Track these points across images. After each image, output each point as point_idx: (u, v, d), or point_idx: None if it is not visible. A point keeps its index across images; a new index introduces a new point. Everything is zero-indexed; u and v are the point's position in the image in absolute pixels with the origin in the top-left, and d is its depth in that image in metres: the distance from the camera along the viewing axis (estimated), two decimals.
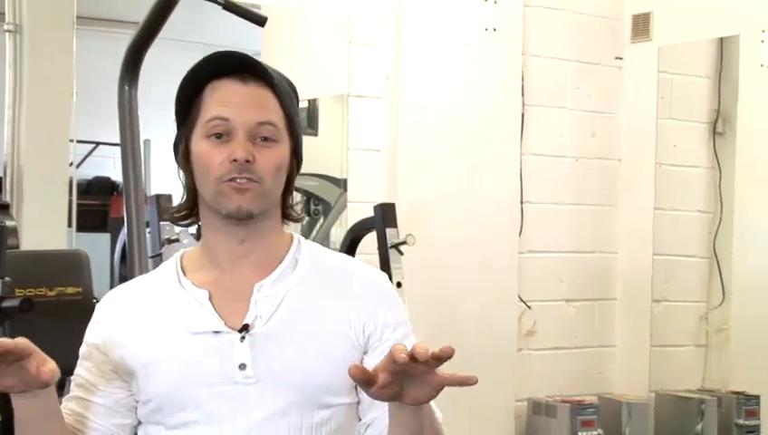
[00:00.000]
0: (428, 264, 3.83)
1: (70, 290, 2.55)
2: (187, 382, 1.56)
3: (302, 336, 1.59)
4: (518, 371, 4.22)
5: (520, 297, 4.23)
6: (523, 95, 4.24)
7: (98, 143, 7.64)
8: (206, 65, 1.59)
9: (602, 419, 4.01)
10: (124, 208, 2.84)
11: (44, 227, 3.91)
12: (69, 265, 2.61)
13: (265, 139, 1.56)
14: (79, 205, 4.66)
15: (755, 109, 4.59)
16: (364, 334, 1.62)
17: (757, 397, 4.24)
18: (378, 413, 1.63)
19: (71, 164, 4.28)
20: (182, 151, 1.62)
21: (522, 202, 4.24)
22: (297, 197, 1.71)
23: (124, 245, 3.19)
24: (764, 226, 4.48)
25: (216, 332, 1.57)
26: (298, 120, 1.64)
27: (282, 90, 1.60)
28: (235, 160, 1.53)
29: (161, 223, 3.03)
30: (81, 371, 1.65)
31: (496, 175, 4.15)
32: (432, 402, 1.59)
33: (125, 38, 2.98)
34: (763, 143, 4.54)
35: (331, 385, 1.59)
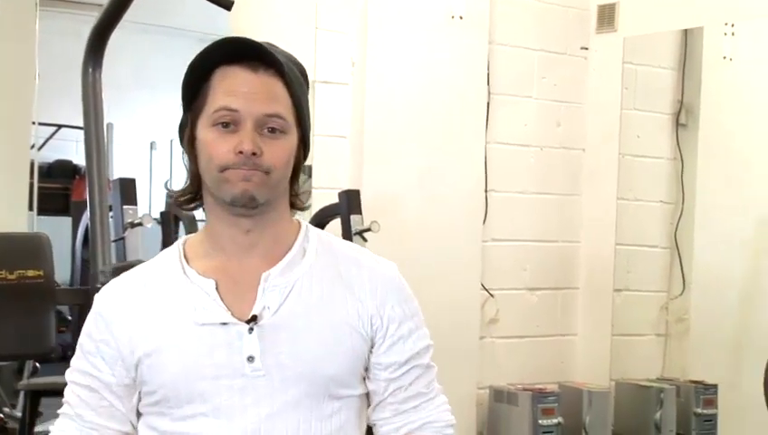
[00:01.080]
0: (392, 251, 3.79)
1: (31, 273, 2.53)
2: (194, 375, 1.53)
3: (310, 327, 1.55)
4: (480, 359, 4.24)
5: (483, 285, 4.25)
6: (488, 84, 4.24)
7: (60, 126, 7.59)
8: (216, 50, 1.54)
9: (563, 407, 4.04)
10: (87, 192, 2.81)
11: (5, 210, 3.88)
12: (30, 249, 2.59)
13: (273, 130, 1.52)
14: (40, 188, 4.63)
15: (718, 101, 4.63)
16: (372, 327, 1.60)
17: (715, 386, 4.29)
18: (383, 415, 1.64)
19: (32, 147, 4.24)
20: (187, 136, 1.57)
21: (486, 190, 4.25)
22: (304, 185, 1.67)
23: (87, 228, 3.17)
24: (725, 217, 4.53)
25: (224, 323, 1.54)
26: (307, 109, 1.60)
27: (292, 78, 1.55)
28: (241, 152, 1.50)
29: (124, 207, 3.01)
30: (89, 368, 1.60)
31: (461, 163, 4.15)
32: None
33: (89, 20, 2.96)
34: (724, 135, 4.59)
35: (340, 377, 1.57)
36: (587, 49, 4.52)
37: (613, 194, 4.45)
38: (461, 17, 4.10)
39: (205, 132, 1.54)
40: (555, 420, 4.01)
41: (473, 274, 4.20)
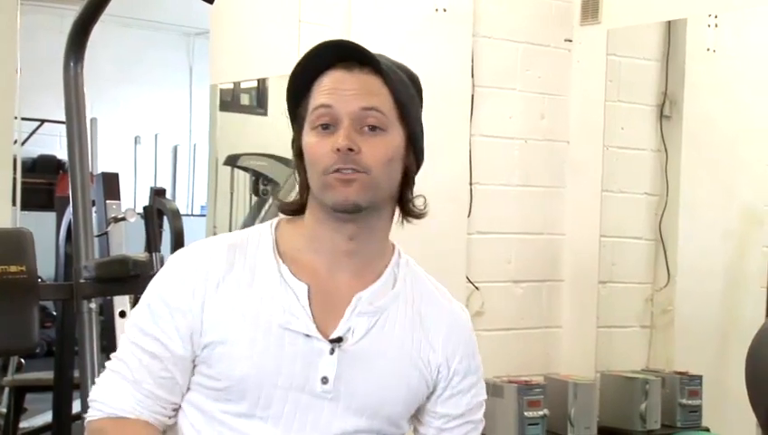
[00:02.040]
0: None
1: (13, 269, 2.52)
2: (268, 379, 1.50)
3: (386, 364, 1.54)
4: None
5: (468, 278, 4.25)
6: (472, 76, 4.24)
7: (43, 121, 7.57)
8: (313, 58, 1.53)
9: (548, 399, 4.04)
10: (70, 187, 2.80)
11: None
12: (12, 244, 2.58)
13: (373, 128, 1.51)
14: (24, 183, 4.62)
15: (702, 92, 4.64)
16: (438, 376, 1.60)
17: (699, 377, 4.30)
18: None
19: (14, 142, 4.22)
20: (296, 148, 1.56)
21: (471, 183, 4.25)
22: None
23: (70, 223, 3.16)
24: (709, 208, 4.54)
25: (308, 335, 1.51)
26: (415, 111, 1.59)
27: (393, 77, 1.54)
28: (338, 150, 1.48)
29: (107, 202, 3.00)
30: (158, 333, 1.53)
31: (446, 156, 4.15)
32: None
33: (71, 14, 2.94)
34: (709, 127, 4.59)
35: (397, 417, 1.58)
36: (571, 41, 4.52)
37: (598, 186, 4.45)
38: (445, 10, 4.09)
39: (307, 137, 1.53)
40: (541, 413, 4.01)
41: (458, 267, 4.20)
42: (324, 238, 1.55)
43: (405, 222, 1.65)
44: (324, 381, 1.50)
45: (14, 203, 4.12)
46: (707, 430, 4.26)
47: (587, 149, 4.49)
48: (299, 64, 1.54)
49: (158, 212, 4.05)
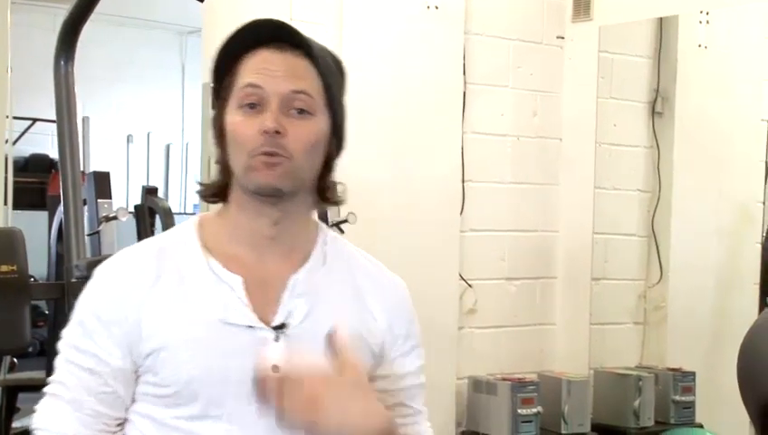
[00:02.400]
0: (369, 242, 3.79)
1: (4, 268, 2.52)
2: (215, 376, 1.46)
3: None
4: (459, 349, 4.24)
5: (461, 276, 4.25)
6: (464, 74, 4.24)
7: (35, 120, 7.55)
8: (241, 34, 1.50)
9: (542, 396, 4.05)
10: (61, 186, 2.80)
11: None
12: (3, 244, 2.58)
13: (301, 111, 1.48)
14: (16, 182, 4.60)
15: (694, 89, 4.64)
16: (384, 342, 1.59)
17: (693, 373, 4.31)
18: None
19: (6, 141, 4.21)
20: (217, 127, 1.52)
21: (463, 181, 4.24)
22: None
23: (61, 222, 3.16)
24: (701, 205, 4.55)
25: (250, 326, 1.48)
26: (340, 97, 1.56)
27: (322, 62, 1.51)
28: (265, 132, 1.45)
29: (99, 200, 2.99)
30: (93, 348, 1.48)
31: (438, 153, 4.15)
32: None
33: (63, 13, 2.94)
34: (701, 123, 4.60)
35: None
36: (563, 38, 4.52)
37: (590, 183, 4.45)
38: (436, 7, 4.09)
39: (231, 115, 1.50)
40: (534, 410, 4.01)
41: (451, 264, 4.20)
42: (247, 226, 1.53)
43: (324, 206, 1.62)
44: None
45: (5, 202, 4.10)
46: (701, 426, 4.27)
47: (579, 146, 4.49)
48: (228, 40, 1.51)
49: (150, 211, 4.04)
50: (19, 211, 5.08)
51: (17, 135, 6.81)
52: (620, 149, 4.62)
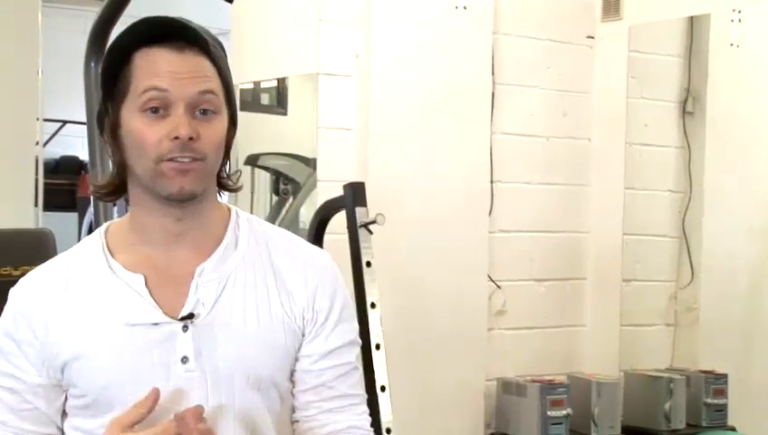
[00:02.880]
0: (398, 243, 3.82)
1: None
2: (127, 378, 1.45)
3: (246, 325, 1.50)
4: (488, 350, 4.22)
5: (490, 277, 4.23)
6: (493, 74, 4.22)
7: (65, 122, 7.59)
8: (135, 31, 1.46)
9: (572, 398, 4.02)
10: (90, 187, 2.81)
11: (10, 207, 3.87)
12: (34, 245, 2.58)
13: (205, 111, 1.45)
14: (47, 184, 4.62)
15: (725, 88, 4.60)
16: (303, 321, 1.55)
17: (725, 376, 4.26)
18: (307, 413, 1.59)
19: (36, 143, 4.23)
20: (109, 125, 1.48)
21: (492, 181, 4.23)
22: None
23: (91, 223, 3.16)
24: (733, 205, 4.50)
25: (155, 323, 1.47)
26: (233, 84, 1.54)
27: (217, 55, 1.49)
28: (176, 138, 1.42)
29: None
30: (10, 369, 1.49)
31: (467, 154, 4.13)
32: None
33: (93, 16, 2.95)
34: (732, 123, 4.56)
35: (276, 376, 1.53)
36: (592, 38, 4.50)
37: (620, 183, 4.42)
38: (465, 7, 4.08)
39: (132, 120, 1.45)
40: (564, 412, 3.98)
41: (479, 265, 4.18)
42: (153, 226, 1.51)
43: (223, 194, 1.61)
44: (185, 360, 1.46)
45: (36, 204, 4.13)
46: (733, 429, 4.23)
47: (609, 146, 4.46)
48: (118, 38, 1.47)
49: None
50: (49, 212, 5.11)
51: (48, 137, 6.85)
52: (651, 150, 4.58)
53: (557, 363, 4.39)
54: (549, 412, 3.96)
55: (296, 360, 1.56)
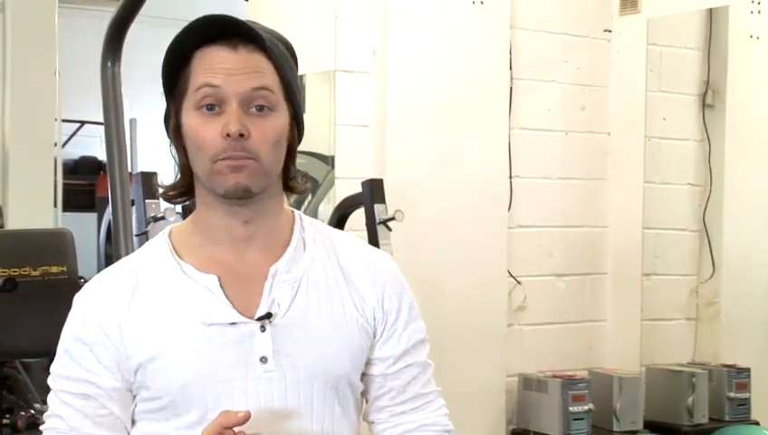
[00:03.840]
0: (417, 239, 3.81)
1: (54, 269, 2.53)
2: (207, 379, 1.44)
3: (322, 325, 1.50)
4: (509, 346, 4.21)
5: (509, 272, 4.22)
6: (511, 69, 4.21)
7: (83, 122, 7.61)
8: (192, 31, 1.46)
9: (593, 393, 4.01)
10: (109, 187, 2.81)
11: (30, 206, 3.89)
12: (53, 245, 2.59)
13: (261, 108, 1.44)
14: (66, 184, 4.64)
15: (745, 80, 4.57)
16: (375, 320, 1.55)
17: (747, 370, 4.24)
18: (380, 416, 1.60)
19: (55, 144, 4.25)
20: (173, 126, 1.49)
21: (510, 177, 4.22)
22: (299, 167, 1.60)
23: (109, 224, 3.17)
24: (754, 198, 4.47)
25: (233, 323, 1.46)
26: (297, 84, 1.51)
27: (277, 53, 1.47)
28: (228, 135, 1.41)
29: (147, 201, 2.99)
30: (83, 374, 1.48)
31: (485, 149, 4.12)
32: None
33: (110, 16, 2.95)
34: (752, 115, 4.53)
35: (351, 376, 1.54)
36: (610, 31, 4.48)
37: (640, 177, 4.40)
38: (482, 2, 4.06)
39: (189, 117, 1.46)
40: (586, 407, 3.97)
41: (499, 261, 4.17)
42: (220, 227, 1.50)
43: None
44: (264, 360, 1.46)
45: (55, 204, 4.14)
46: (757, 423, 4.20)
47: (628, 140, 4.45)
48: (176, 39, 1.46)
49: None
50: (69, 213, 5.13)
51: (66, 138, 6.87)
52: (670, 143, 4.56)
53: (578, 359, 4.38)
54: (570, 408, 3.95)
55: (370, 363, 1.57)
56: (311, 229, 1.58)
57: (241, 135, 1.42)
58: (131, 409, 1.50)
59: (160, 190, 1.61)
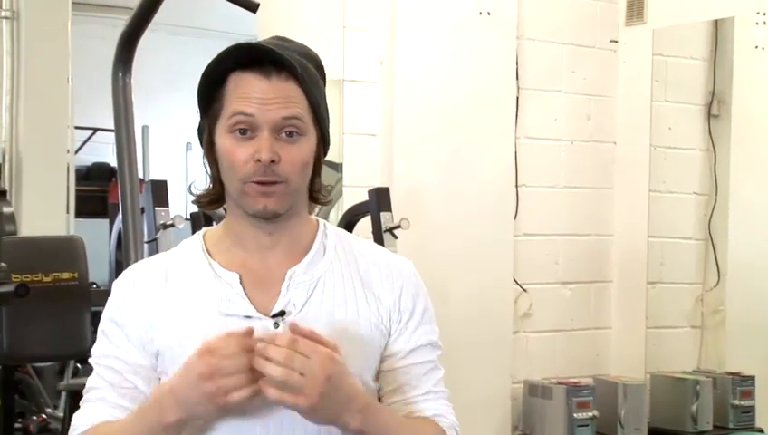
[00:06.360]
0: (423, 247, 3.84)
1: (65, 276, 2.58)
2: None
3: (336, 324, 1.56)
4: (514, 353, 4.24)
5: (515, 280, 4.25)
6: (517, 78, 4.24)
7: (96, 129, 7.66)
8: (228, 57, 1.55)
9: (598, 400, 4.03)
10: (119, 194, 2.85)
11: (43, 213, 3.94)
12: (65, 251, 2.64)
13: (290, 133, 1.53)
14: (78, 191, 4.69)
15: (750, 91, 4.59)
16: (390, 320, 1.62)
17: (752, 378, 4.26)
18: (391, 401, 1.63)
19: (67, 151, 4.29)
20: (206, 141, 1.59)
21: (517, 185, 4.25)
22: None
23: (120, 230, 3.22)
24: (759, 207, 4.49)
25: (248, 316, 1.54)
26: (325, 105, 1.60)
27: (306, 78, 1.55)
28: (259, 160, 1.50)
29: (156, 208, 3.04)
30: (113, 350, 1.58)
31: (491, 158, 4.16)
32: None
33: (123, 24, 2.99)
34: (757, 125, 4.55)
35: (364, 374, 1.58)
36: (616, 42, 4.51)
37: (645, 186, 4.43)
38: (489, 13, 4.10)
39: (223, 139, 1.55)
40: (590, 414, 4.00)
41: (505, 269, 4.20)
42: (247, 234, 1.60)
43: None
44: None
45: (67, 211, 4.19)
46: (761, 431, 4.22)
47: (634, 149, 4.47)
48: (212, 63, 1.55)
49: (206, 218, 4.10)
50: (81, 219, 5.18)
51: (79, 145, 6.92)
52: (676, 152, 4.59)
53: (583, 366, 4.41)
54: (575, 414, 3.98)
55: (382, 361, 1.63)
56: (333, 237, 1.66)
57: (272, 161, 1.51)
58: (154, 385, 1.58)
59: (193, 197, 1.69)
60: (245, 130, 1.53)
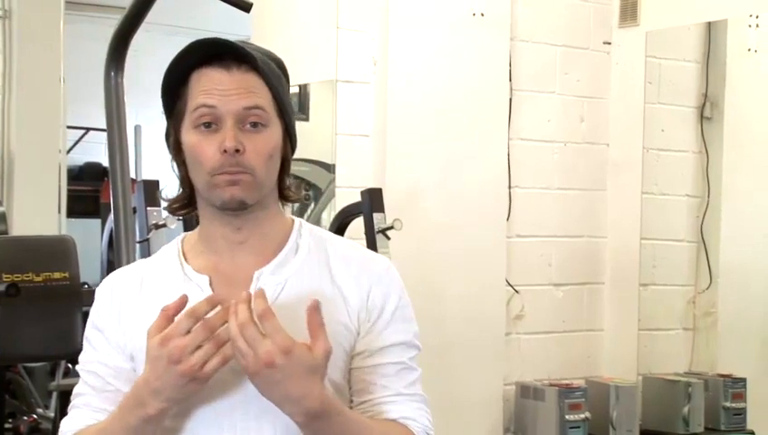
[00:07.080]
0: (416, 248, 3.85)
1: (56, 276, 2.56)
2: None
3: (302, 324, 1.51)
4: (506, 355, 4.24)
5: (508, 281, 4.25)
6: (510, 80, 4.25)
7: (88, 129, 7.64)
8: (188, 54, 1.56)
9: (590, 402, 4.04)
10: (111, 194, 2.84)
11: (35, 212, 3.92)
12: (56, 251, 2.63)
13: (255, 124, 1.54)
14: (71, 190, 4.67)
15: (743, 93, 4.61)
16: (359, 320, 1.59)
17: (743, 380, 4.27)
18: (358, 404, 1.61)
19: (59, 150, 4.28)
20: (173, 143, 1.60)
21: (510, 187, 4.25)
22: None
23: (112, 230, 3.21)
24: (751, 210, 4.51)
25: None
26: (288, 100, 1.61)
27: (268, 71, 1.57)
28: (224, 151, 1.51)
29: (148, 208, 3.03)
30: (95, 355, 1.61)
31: (484, 160, 4.16)
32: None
33: (115, 23, 2.98)
34: (750, 127, 4.56)
35: (334, 374, 1.56)
36: (609, 44, 4.52)
37: (638, 188, 4.43)
38: (482, 14, 4.10)
39: (189, 135, 1.56)
40: (582, 416, 4.00)
41: (497, 270, 4.20)
42: (216, 235, 1.61)
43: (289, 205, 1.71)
44: None
45: (59, 210, 4.17)
46: (752, 433, 4.23)
47: (627, 151, 4.48)
48: (174, 61, 1.55)
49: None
50: (74, 219, 5.17)
51: (71, 144, 6.90)
52: (668, 155, 4.60)
53: (575, 367, 4.41)
54: (567, 416, 3.98)
55: (351, 359, 1.61)
56: (307, 236, 1.65)
57: (237, 151, 1.52)
58: None
59: (164, 204, 1.69)
60: (210, 124, 1.54)
